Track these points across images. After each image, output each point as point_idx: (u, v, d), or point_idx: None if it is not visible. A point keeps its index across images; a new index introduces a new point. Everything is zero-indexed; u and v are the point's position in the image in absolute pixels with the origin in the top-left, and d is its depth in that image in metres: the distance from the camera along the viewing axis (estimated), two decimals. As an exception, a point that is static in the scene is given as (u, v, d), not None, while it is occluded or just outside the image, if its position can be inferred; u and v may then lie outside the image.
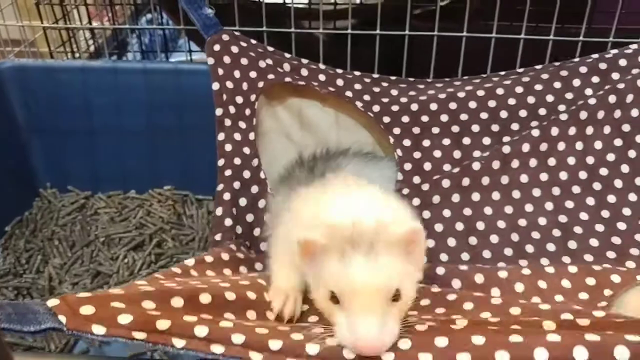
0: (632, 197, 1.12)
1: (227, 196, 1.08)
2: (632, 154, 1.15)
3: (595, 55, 1.21)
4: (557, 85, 1.18)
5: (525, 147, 1.16)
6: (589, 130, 1.17)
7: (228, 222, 1.05)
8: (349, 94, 1.22)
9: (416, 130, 1.19)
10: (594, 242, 1.08)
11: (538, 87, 1.19)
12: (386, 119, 1.20)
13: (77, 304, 0.67)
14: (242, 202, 1.10)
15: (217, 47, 1.18)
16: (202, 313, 0.74)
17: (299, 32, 1.36)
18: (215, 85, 1.16)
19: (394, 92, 1.22)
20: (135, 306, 0.69)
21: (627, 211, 1.10)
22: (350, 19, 1.39)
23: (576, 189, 1.14)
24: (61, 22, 1.65)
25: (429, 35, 1.31)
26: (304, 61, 1.23)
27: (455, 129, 1.19)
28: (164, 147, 1.49)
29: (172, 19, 1.74)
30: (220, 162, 1.12)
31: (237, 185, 1.10)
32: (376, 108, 1.21)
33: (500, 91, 1.19)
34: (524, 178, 1.14)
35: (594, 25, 1.38)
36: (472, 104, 1.19)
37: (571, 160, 1.16)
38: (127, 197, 1.54)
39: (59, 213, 1.49)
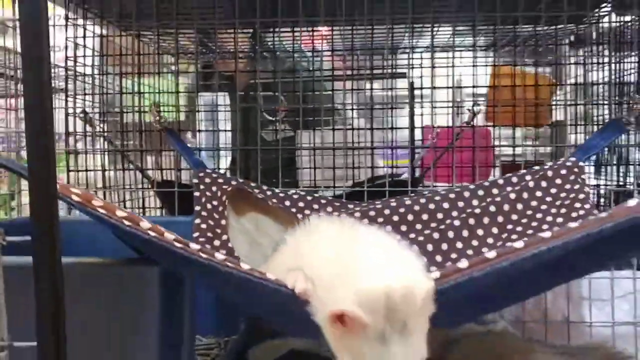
0: None
1: None
2: (514, 237, 1.49)
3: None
4: (452, 196, 1.58)
5: (430, 247, 1.50)
6: (480, 232, 1.52)
7: None
8: (293, 209, 1.61)
9: None
10: None
11: (437, 198, 1.58)
12: None
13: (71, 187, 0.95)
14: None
15: (201, 174, 1.63)
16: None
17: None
18: (197, 194, 1.57)
19: (329, 209, 1.61)
20: (108, 205, 0.96)
21: None
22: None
23: None
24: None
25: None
26: (264, 187, 1.66)
27: None
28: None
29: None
30: (195, 234, 1.46)
31: (207, 247, 1.41)
32: None
33: (408, 202, 1.58)
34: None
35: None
36: (387, 211, 1.57)
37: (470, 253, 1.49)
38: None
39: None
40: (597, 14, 2.24)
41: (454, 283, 0.85)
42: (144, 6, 1.89)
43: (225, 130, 2.30)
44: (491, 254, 0.86)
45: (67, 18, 1.93)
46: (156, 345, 0.97)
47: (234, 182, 1.63)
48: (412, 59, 2.62)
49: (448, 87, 2.03)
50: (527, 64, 2.60)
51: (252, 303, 1.08)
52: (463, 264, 0.87)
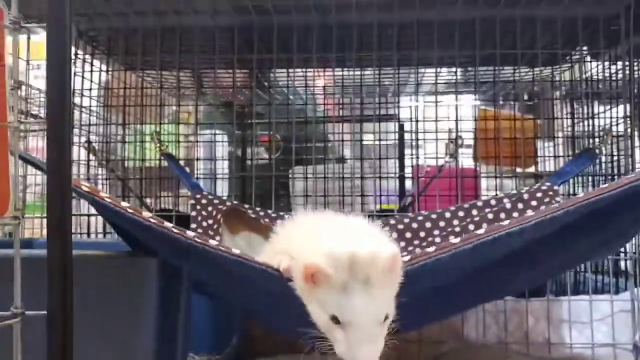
0: None
1: None
2: None
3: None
4: (434, 216, 1.67)
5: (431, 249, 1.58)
6: None
7: None
8: None
9: None
10: None
11: (420, 218, 1.67)
12: None
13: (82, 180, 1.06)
14: None
15: (198, 196, 1.73)
16: None
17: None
18: (193, 213, 1.67)
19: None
20: (112, 197, 1.06)
21: None
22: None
23: None
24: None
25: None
26: (257, 208, 1.75)
27: None
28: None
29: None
30: None
31: None
32: None
33: (392, 221, 1.68)
34: None
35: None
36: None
37: None
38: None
39: None
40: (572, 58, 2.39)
41: (422, 264, 0.93)
42: (149, 43, 2.03)
43: (223, 159, 2.39)
44: (456, 240, 0.95)
45: (76, 54, 2.06)
46: (153, 331, 1.05)
47: (228, 203, 1.73)
48: (400, 100, 2.76)
49: (435, 120, 2.16)
50: (508, 99, 2.75)
51: (245, 293, 1.15)
52: (431, 248, 0.96)
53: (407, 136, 2.90)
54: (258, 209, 1.76)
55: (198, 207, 1.69)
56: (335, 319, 0.87)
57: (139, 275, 1.06)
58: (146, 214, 0.99)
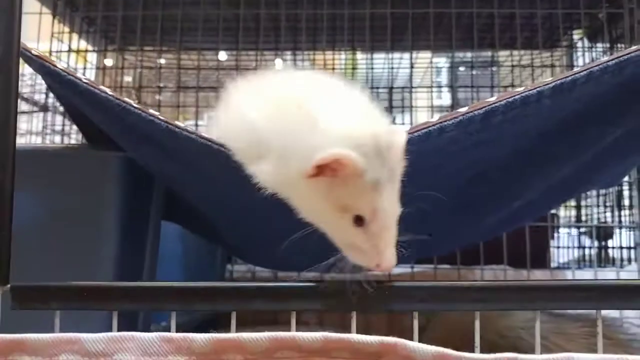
0: None
1: None
2: None
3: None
4: None
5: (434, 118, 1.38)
6: None
7: None
8: None
9: None
10: None
11: None
12: None
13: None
14: None
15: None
16: None
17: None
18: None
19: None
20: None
21: None
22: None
23: None
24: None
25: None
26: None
27: None
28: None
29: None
30: None
31: None
32: None
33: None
34: None
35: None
36: None
37: None
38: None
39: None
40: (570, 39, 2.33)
41: (425, 131, 0.80)
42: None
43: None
44: (463, 109, 0.82)
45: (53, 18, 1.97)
46: (117, 236, 0.91)
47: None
48: (393, 94, 2.66)
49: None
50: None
51: (196, 181, 0.97)
52: (434, 118, 0.84)
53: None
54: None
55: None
56: (359, 221, 0.69)
57: (99, 172, 0.93)
58: (104, 88, 0.86)
